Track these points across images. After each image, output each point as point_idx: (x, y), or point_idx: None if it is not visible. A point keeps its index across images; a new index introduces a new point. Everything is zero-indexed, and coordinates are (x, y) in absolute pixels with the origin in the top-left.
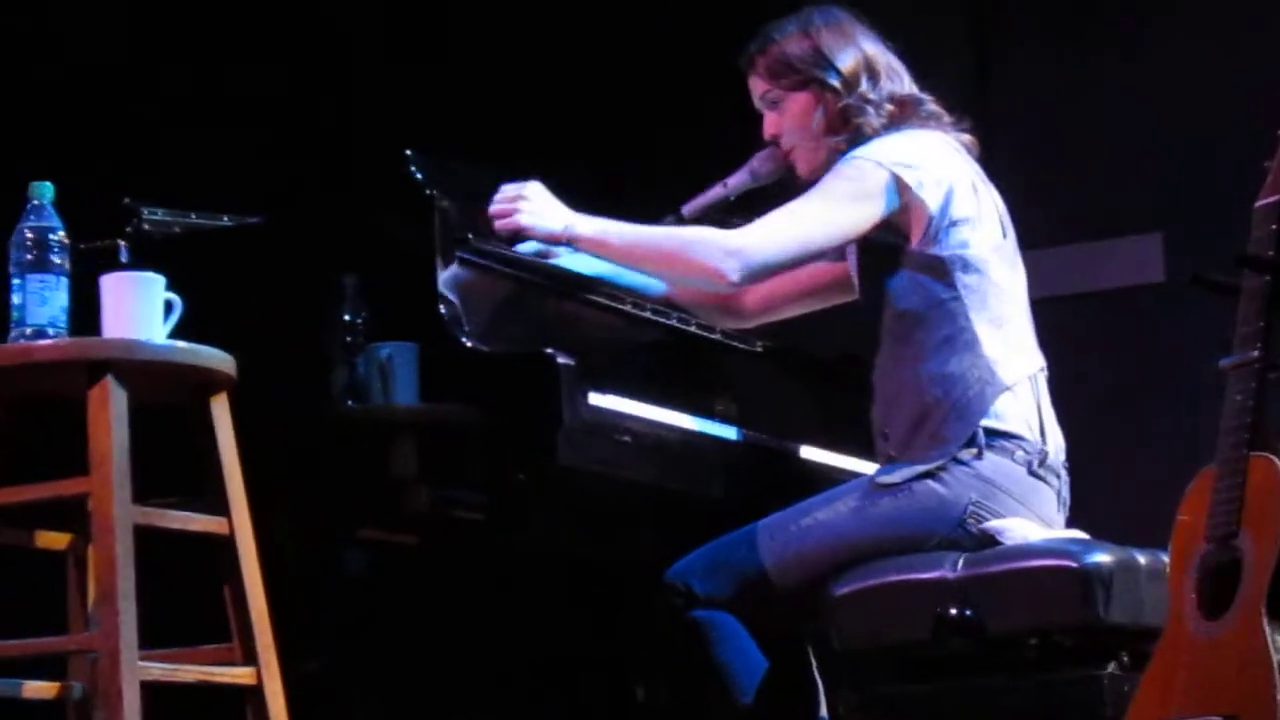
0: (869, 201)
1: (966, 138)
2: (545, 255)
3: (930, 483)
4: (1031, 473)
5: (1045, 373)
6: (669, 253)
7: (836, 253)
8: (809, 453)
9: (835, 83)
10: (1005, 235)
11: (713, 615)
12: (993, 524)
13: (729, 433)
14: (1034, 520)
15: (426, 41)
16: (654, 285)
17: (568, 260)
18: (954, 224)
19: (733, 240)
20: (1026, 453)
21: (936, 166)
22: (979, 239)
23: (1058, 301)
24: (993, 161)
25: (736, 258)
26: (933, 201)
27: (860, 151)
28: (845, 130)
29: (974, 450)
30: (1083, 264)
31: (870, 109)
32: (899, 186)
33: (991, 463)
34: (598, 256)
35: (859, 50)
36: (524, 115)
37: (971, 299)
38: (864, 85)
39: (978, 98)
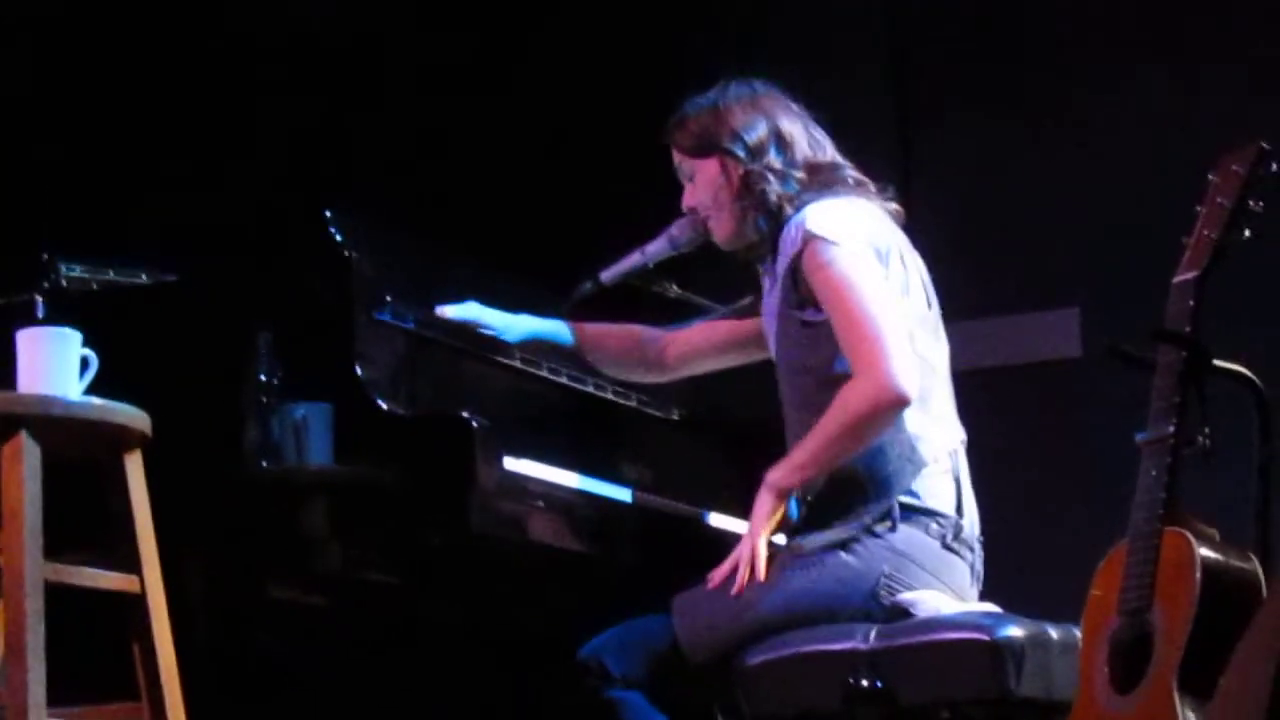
0: (865, 263)
1: (893, 206)
2: (473, 324)
3: (842, 554)
4: (945, 546)
5: (965, 444)
6: (849, 432)
7: (754, 308)
8: (723, 521)
9: (739, 151)
10: (930, 306)
11: (625, 695)
12: (905, 596)
13: (644, 500)
14: (947, 593)
15: (356, 96)
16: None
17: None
18: None
19: (871, 373)
20: (941, 526)
21: (872, 234)
22: (905, 311)
23: (975, 374)
24: (913, 233)
25: (887, 382)
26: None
27: (807, 230)
28: (749, 197)
29: (888, 523)
30: (1000, 337)
31: (773, 177)
32: (853, 253)
33: (905, 534)
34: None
35: (769, 121)
36: (449, 178)
37: None
38: (770, 154)
39: (899, 170)
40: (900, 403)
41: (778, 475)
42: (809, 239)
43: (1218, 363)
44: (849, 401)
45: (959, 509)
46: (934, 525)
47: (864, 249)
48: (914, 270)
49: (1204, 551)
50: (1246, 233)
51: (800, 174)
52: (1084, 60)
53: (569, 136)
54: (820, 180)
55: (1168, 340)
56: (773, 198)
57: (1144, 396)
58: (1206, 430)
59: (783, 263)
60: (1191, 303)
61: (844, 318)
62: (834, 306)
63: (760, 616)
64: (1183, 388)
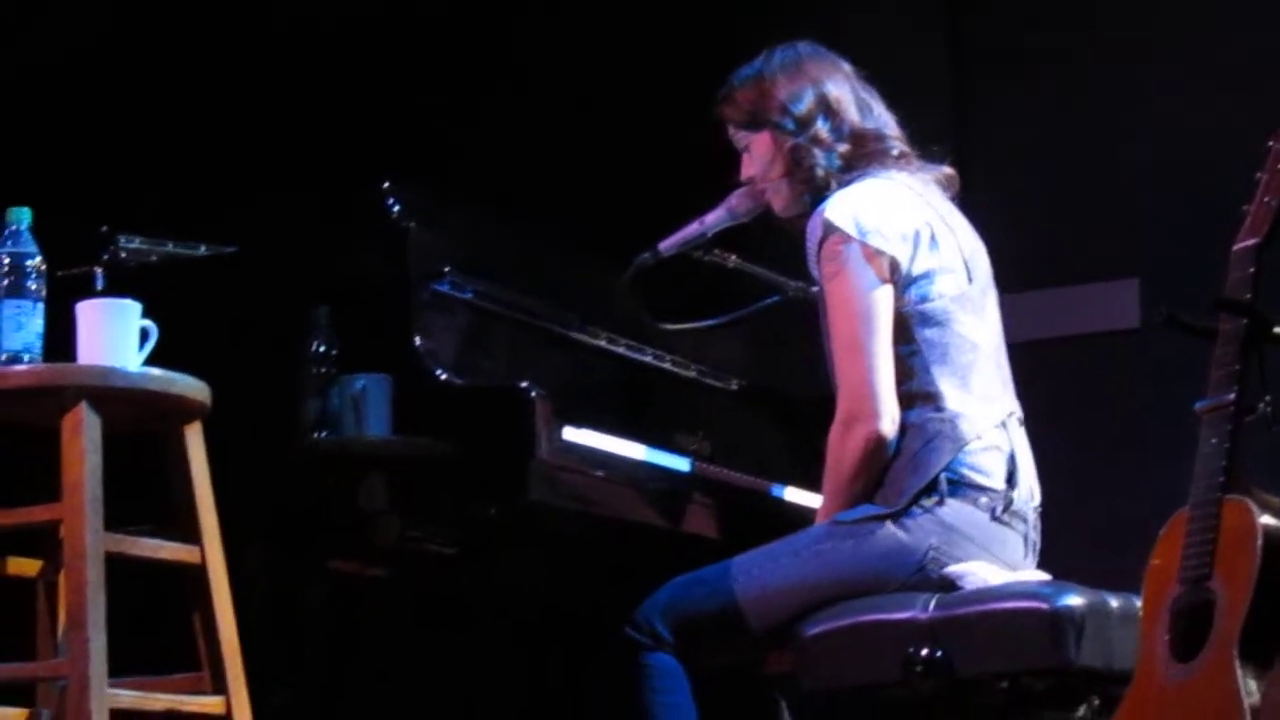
0: (871, 274)
1: (942, 172)
2: None
3: (891, 526)
4: (995, 519)
5: (1018, 415)
6: (851, 481)
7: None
8: (782, 491)
9: (788, 124)
10: (971, 280)
11: (662, 660)
12: (953, 569)
13: (702, 470)
14: (996, 564)
15: (412, 73)
16: None
17: None
18: (914, 280)
19: (842, 415)
20: (990, 499)
21: (898, 220)
22: (940, 291)
23: (1033, 346)
24: (969, 205)
25: (860, 421)
26: (902, 256)
27: (827, 221)
28: (799, 172)
29: (935, 498)
30: (1059, 309)
31: (819, 151)
32: (867, 253)
33: (953, 508)
34: None
35: (815, 88)
36: (505, 153)
37: (932, 353)
38: (818, 124)
39: (955, 141)
40: (887, 443)
41: (819, 518)
42: (829, 230)
43: (1279, 330)
44: (842, 458)
45: (1010, 481)
46: (983, 499)
47: (880, 244)
48: (949, 248)
49: (1265, 520)
50: None
51: (846, 146)
52: (1144, 26)
53: (626, 109)
54: (865, 153)
55: (1228, 308)
56: (819, 173)
57: (1204, 366)
58: (1268, 398)
59: (811, 247)
60: (1252, 270)
61: (839, 337)
62: (832, 318)
63: (810, 586)
64: (1243, 356)
